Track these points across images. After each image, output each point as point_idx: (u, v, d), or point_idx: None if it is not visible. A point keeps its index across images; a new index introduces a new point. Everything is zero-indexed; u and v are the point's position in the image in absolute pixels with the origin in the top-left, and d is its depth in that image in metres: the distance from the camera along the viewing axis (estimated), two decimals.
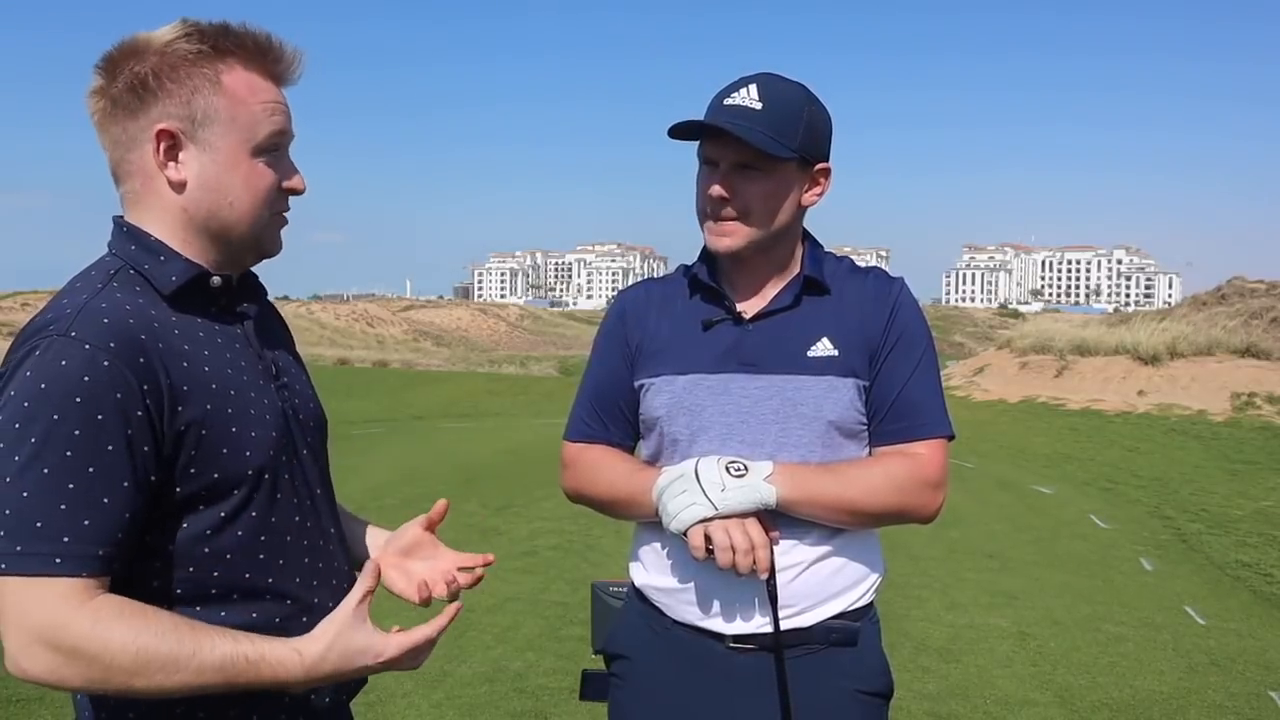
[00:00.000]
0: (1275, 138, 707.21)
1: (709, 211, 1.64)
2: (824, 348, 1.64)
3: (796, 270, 1.71)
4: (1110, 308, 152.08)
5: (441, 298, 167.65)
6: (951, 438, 1.67)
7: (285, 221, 1.38)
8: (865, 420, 1.66)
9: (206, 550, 1.25)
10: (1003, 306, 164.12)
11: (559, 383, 27.37)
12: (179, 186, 1.29)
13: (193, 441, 1.22)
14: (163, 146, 1.27)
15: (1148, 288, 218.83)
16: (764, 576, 1.53)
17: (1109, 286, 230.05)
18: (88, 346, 1.16)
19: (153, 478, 1.19)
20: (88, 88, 1.29)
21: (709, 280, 1.71)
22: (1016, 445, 14.20)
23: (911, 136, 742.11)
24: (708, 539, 1.51)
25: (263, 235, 1.35)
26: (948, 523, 8.41)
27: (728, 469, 1.53)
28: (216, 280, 1.31)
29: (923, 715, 4.17)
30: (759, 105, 1.58)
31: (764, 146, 1.56)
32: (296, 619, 1.32)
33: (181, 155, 1.28)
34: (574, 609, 5.42)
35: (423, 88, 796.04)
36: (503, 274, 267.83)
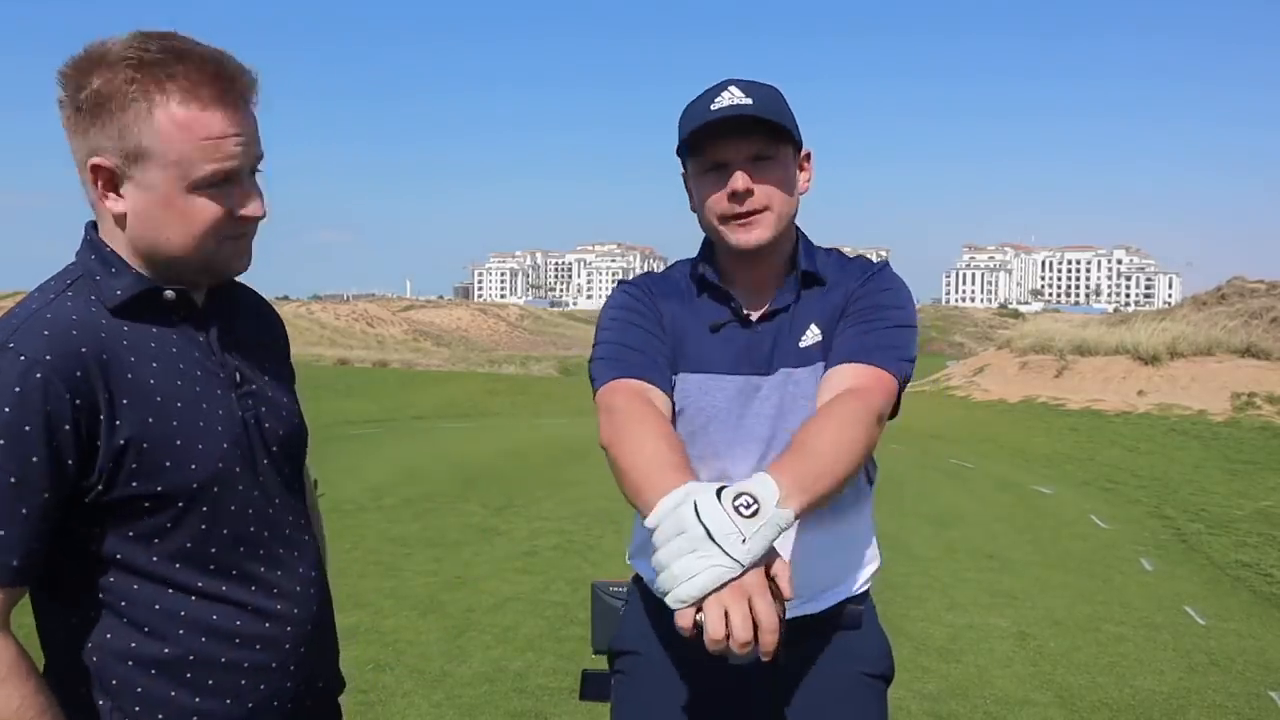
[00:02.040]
0: (1276, 137, 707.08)
1: (732, 211, 1.62)
2: (812, 335, 1.67)
3: (794, 267, 1.72)
4: (1110, 308, 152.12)
5: (441, 298, 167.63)
6: (904, 380, 1.57)
7: (243, 244, 1.34)
8: None
9: (154, 557, 1.26)
10: (1003, 306, 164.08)
11: (559, 383, 27.37)
12: (119, 219, 1.28)
13: (133, 455, 1.22)
14: (100, 180, 1.26)
15: (1148, 288, 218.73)
16: (765, 660, 1.21)
17: (1109, 286, 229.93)
18: (23, 358, 1.17)
19: (98, 487, 1.21)
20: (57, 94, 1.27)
21: (715, 280, 1.71)
22: (1016, 445, 14.20)
23: (911, 136, 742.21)
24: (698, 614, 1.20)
25: (211, 262, 1.32)
26: (948, 523, 8.41)
27: (737, 509, 1.22)
28: (170, 294, 1.30)
29: (923, 715, 4.17)
30: (749, 100, 1.59)
31: (782, 120, 1.58)
32: (257, 624, 1.33)
33: (121, 188, 1.26)
34: (574, 609, 5.42)
35: (423, 87, 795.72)
36: (503, 274, 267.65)
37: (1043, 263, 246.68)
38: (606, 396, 1.58)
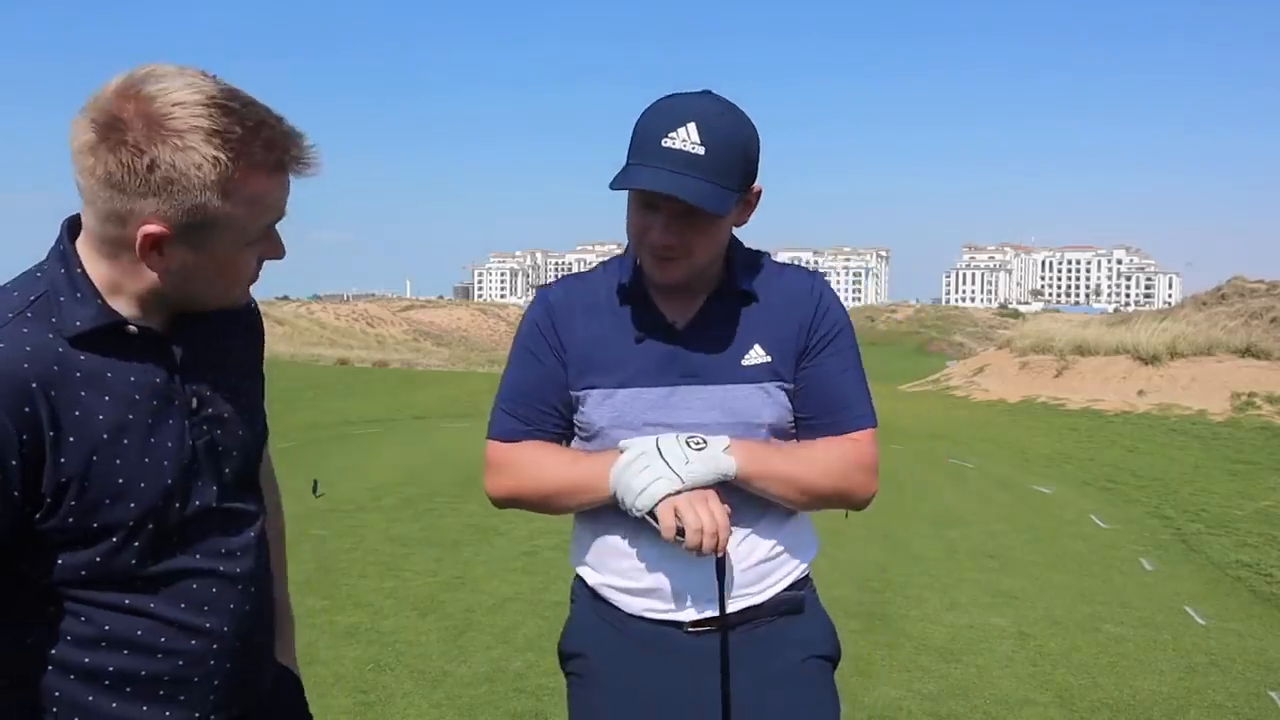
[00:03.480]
0: (1276, 137, 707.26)
1: (652, 250, 1.60)
2: (757, 354, 1.67)
3: (722, 278, 1.70)
4: (1110, 308, 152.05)
5: (441, 298, 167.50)
6: (876, 427, 1.73)
7: (256, 279, 1.38)
8: (794, 421, 1.71)
9: (84, 573, 1.26)
10: (1003, 306, 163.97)
11: None
12: (160, 273, 1.25)
13: (74, 492, 1.22)
14: (148, 243, 1.21)
15: (1148, 288, 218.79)
16: (719, 555, 1.57)
17: (1109, 286, 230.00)
18: None
19: (35, 516, 1.21)
20: (77, 132, 1.18)
21: (638, 289, 1.69)
22: (1016, 445, 14.20)
23: (911, 136, 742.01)
24: (678, 518, 1.53)
25: (230, 304, 1.36)
26: (948, 523, 8.41)
27: (688, 443, 1.57)
28: (133, 329, 1.28)
29: (923, 715, 4.17)
30: (701, 150, 1.50)
31: (714, 209, 1.51)
32: (182, 640, 1.34)
33: (167, 249, 1.23)
34: None
35: (423, 87, 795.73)
36: (503, 274, 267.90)
37: (1043, 263, 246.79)
38: (500, 452, 1.74)
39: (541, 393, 1.71)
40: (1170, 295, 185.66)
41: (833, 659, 1.78)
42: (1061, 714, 4.25)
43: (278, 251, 1.35)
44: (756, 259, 1.75)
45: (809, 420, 1.69)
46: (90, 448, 1.23)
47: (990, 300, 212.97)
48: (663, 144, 1.51)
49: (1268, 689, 4.60)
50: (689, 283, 1.66)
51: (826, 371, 1.69)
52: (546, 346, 1.71)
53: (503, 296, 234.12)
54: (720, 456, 1.57)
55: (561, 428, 1.74)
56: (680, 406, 1.65)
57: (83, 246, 1.28)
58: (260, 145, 1.21)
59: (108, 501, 1.24)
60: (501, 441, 1.74)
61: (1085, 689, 4.53)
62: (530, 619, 5.30)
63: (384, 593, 5.73)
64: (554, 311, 1.72)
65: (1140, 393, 17.83)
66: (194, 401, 1.35)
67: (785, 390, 1.68)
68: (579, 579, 1.80)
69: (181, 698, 1.35)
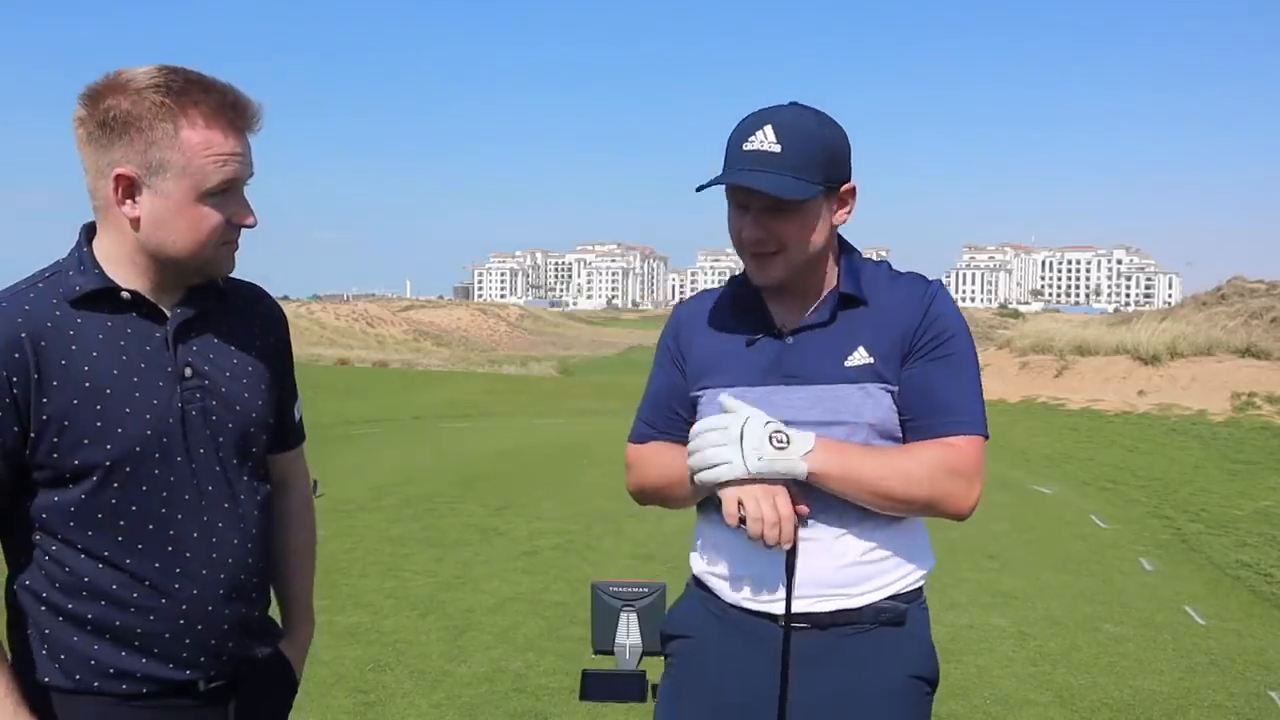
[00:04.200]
0: (1275, 137, 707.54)
1: (747, 249, 1.69)
2: (860, 356, 1.69)
3: (833, 284, 1.75)
4: (1110, 308, 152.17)
5: (441, 298, 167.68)
6: (986, 437, 1.74)
7: (234, 248, 1.54)
8: (902, 422, 1.71)
9: (71, 523, 1.44)
10: (1003, 306, 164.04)
11: (559, 383, 27.39)
12: (134, 222, 1.46)
13: (55, 429, 1.42)
14: (120, 187, 1.44)
15: (1148, 288, 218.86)
16: (785, 548, 1.58)
17: (1109, 286, 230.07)
18: None
19: (25, 451, 1.42)
20: (74, 113, 1.45)
21: (751, 298, 1.77)
22: (1016, 445, 14.19)
23: (911, 136, 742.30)
24: (740, 506, 1.56)
25: (206, 265, 1.51)
26: (947, 523, 8.33)
27: (771, 438, 1.56)
28: (125, 294, 1.48)
29: None
30: (778, 148, 1.61)
31: (792, 195, 1.60)
32: (153, 597, 1.47)
33: (137, 196, 1.45)
34: (574, 609, 5.42)
35: (424, 87, 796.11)
36: (503, 274, 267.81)
37: (1043, 263, 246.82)
38: (632, 454, 1.88)
39: (667, 400, 1.85)
40: (1170, 295, 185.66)
41: (931, 681, 1.75)
42: (1061, 714, 4.25)
43: (245, 214, 1.51)
44: (873, 266, 1.79)
45: (910, 422, 1.70)
46: (73, 392, 1.42)
47: (990, 300, 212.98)
48: (744, 148, 1.64)
49: (1268, 689, 4.60)
50: (791, 282, 1.71)
51: (928, 374, 1.69)
52: (670, 359, 1.86)
53: (503, 296, 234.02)
54: (794, 460, 1.56)
55: (680, 427, 1.81)
56: (781, 405, 1.67)
57: (100, 232, 1.51)
58: (200, 90, 1.44)
59: (86, 442, 1.43)
60: (634, 444, 1.89)
61: (1085, 689, 4.53)
62: (530, 619, 5.31)
63: (384, 593, 5.73)
64: (680, 326, 1.87)
65: (1140, 393, 17.82)
66: (186, 370, 1.51)
67: (889, 392, 1.68)
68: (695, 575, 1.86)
69: (155, 650, 1.48)
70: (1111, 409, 17.31)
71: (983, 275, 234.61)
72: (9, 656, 1.47)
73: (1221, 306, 24.26)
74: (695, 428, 1.61)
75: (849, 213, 1.73)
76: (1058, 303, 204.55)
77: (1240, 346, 18.52)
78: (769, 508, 1.54)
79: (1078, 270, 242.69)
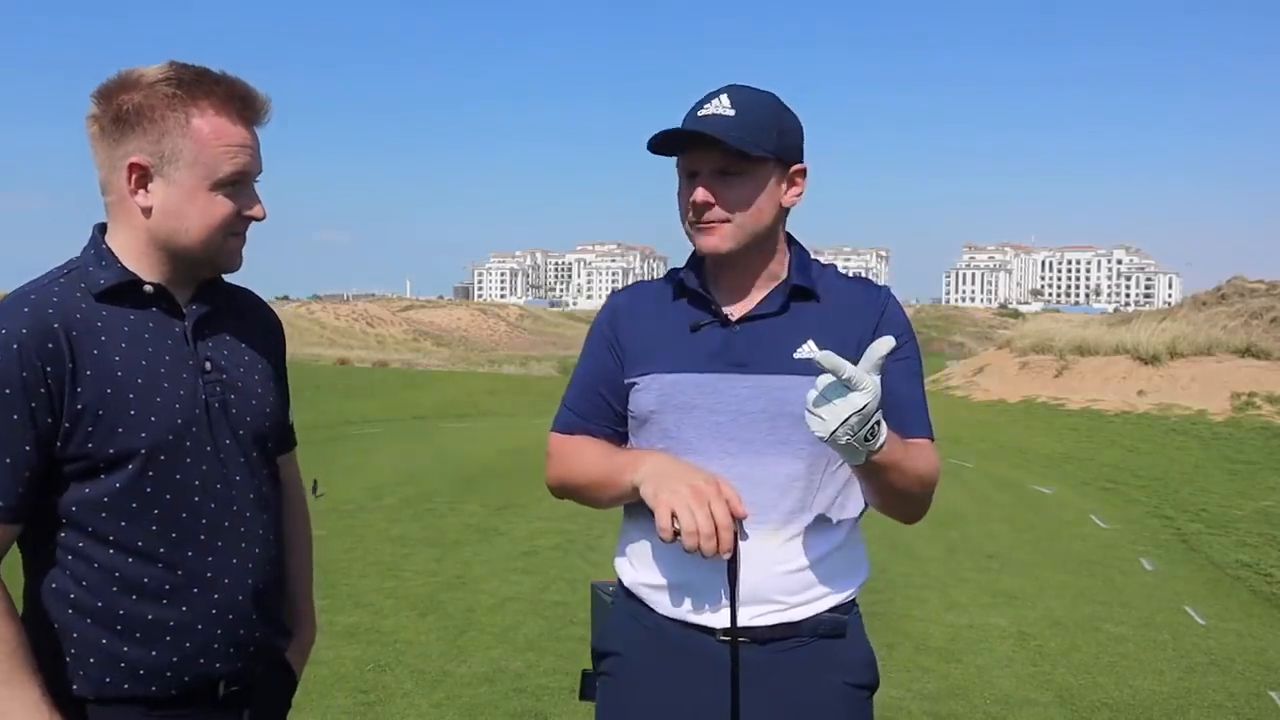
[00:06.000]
0: (1275, 137, 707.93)
1: (694, 217, 1.69)
2: (809, 349, 1.67)
3: (784, 276, 1.74)
4: (1110, 308, 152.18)
5: (441, 298, 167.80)
6: (934, 441, 1.74)
7: (242, 242, 1.57)
8: None
9: (103, 514, 1.44)
10: (1003, 306, 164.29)
11: (559, 383, 27.32)
12: (146, 211, 1.49)
13: (90, 419, 1.42)
14: (133, 177, 1.47)
15: (1148, 288, 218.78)
16: (725, 557, 1.52)
17: (1109, 286, 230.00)
18: (3, 332, 1.40)
19: (57, 444, 1.41)
20: (87, 111, 1.49)
21: (696, 284, 1.75)
22: (1016, 445, 14.21)
23: (911, 136, 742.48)
24: (674, 518, 1.50)
25: (216, 256, 1.54)
26: (948, 523, 8.41)
27: (867, 436, 1.44)
28: (148, 288, 1.51)
29: (923, 715, 4.17)
30: (732, 112, 1.63)
31: (741, 146, 1.61)
32: (186, 589, 1.48)
33: (150, 185, 1.48)
34: (574, 609, 5.42)
35: (424, 87, 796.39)
36: (503, 274, 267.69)
37: (1043, 263, 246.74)
38: (555, 443, 1.86)
39: (596, 386, 1.80)
40: (1170, 295, 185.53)
41: (871, 688, 1.75)
42: (1061, 714, 4.25)
43: (255, 206, 1.54)
44: (822, 266, 1.79)
45: None
46: (105, 382, 1.43)
47: (990, 300, 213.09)
48: (698, 114, 1.65)
49: (1268, 689, 4.61)
50: (737, 260, 1.69)
51: (889, 378, 1.63)
52: (604, 345, 1.80)
53: (503, 296, 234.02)
54: (867, 452, 1.47)
55: (618, 426, 1.80)
56: (726, 393, 1.66)
57: (113, 228, 1.53)
58: (210, 81, 1.48)
59: (120, 430, 1.43)
60: (558, 433, 1.85)
61: (1085, 689, 4.54)
62: (530, 619, 5.31)
63: (384, 593, 5.73)
64: (616, 312, 1.82)
65: (1140, 393, 17.84)
66: (206, 364, 1.54)
67: None
68: (619, 580, 1.82)
69: (187, 644, 1.48)
70: (1111, 409, 17.32)
71: (982, 275, 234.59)
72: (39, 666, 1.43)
73: (1221, 306, 24.26)
74: (855, 375, 1.40)
75: (799, 195, 1.72)
76: (1058, 303, 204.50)
77: (1240, 346, 18.54)
78: (704, 518, 1.48)
79: (1078, 270, 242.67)
